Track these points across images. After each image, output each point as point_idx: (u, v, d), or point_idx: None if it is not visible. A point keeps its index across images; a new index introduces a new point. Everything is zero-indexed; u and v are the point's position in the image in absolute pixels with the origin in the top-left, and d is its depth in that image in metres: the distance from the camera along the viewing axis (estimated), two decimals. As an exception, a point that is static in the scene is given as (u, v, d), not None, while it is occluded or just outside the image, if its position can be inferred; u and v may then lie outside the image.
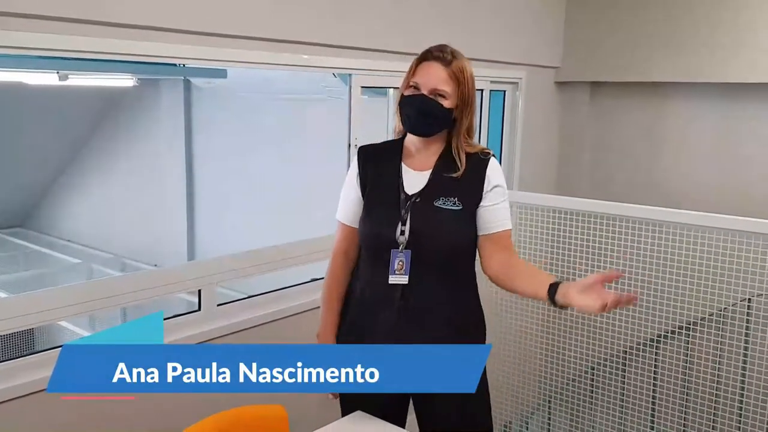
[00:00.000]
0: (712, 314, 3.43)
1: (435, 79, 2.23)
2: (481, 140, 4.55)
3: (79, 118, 6.66)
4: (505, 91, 4.80)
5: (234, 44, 2.95)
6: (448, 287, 2.31)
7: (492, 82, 4.53)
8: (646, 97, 5.07)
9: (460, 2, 4.08)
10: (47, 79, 3.85)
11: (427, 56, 2.26)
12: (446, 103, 2.24)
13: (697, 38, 4.54)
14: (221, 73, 5.00)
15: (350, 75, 3.49)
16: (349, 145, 3.50)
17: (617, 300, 1.95)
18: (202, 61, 3.01)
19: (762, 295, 3.14)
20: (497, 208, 2.31)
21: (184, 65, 4.20)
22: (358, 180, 2.35)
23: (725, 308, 3.41)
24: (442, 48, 2.28)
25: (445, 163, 2.30)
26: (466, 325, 2.36)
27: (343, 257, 2.39)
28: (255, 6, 2.98)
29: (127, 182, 6.80)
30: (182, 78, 5.89)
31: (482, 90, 4.49)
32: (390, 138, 2.47)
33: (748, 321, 3.37)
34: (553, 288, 2.11)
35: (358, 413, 2.27)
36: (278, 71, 3.31)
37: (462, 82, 2.26)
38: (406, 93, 2.26)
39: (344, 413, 2.39)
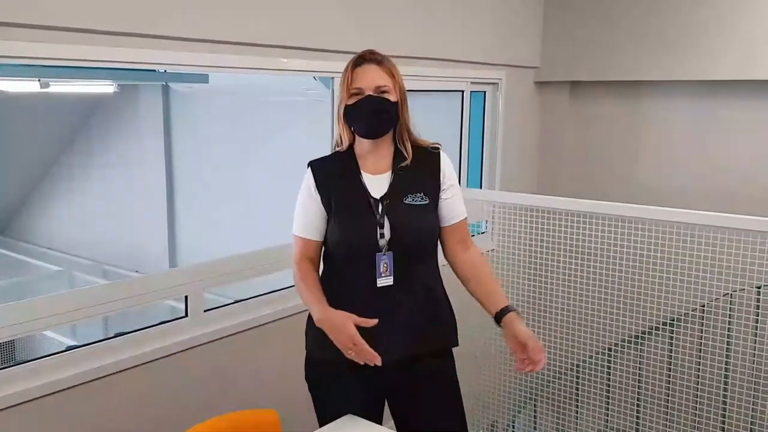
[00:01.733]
0: (694, 310, 3.46)
1: (376, 77, 2.31)
2: (462, 141, 4.57)
3: (57, 125, 6.60)
4: (485, 92, 4.82)
5: (214, 49, 2.94)
6: (426, 278, 2.40)
7: (472, 83, 4.55)
8: (626, 96, 5.10)
9: (439, 4, 4.09)
10: (28, 86, 3.82)
11: (359, 61, 2.34)
12: (392, 98, 2.33)
13: (677, 36, 4.58)
14: (203, 78, 4.98)
15: (332, 78, 3.49)
16: (333, 148, 3.50)
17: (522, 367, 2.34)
18: (183, 66, 2.99)
19: (743, 290, 3.18)
20: (455, 200, 2.42)
21: (165, 71, 4.19)
22: (317, 193, 2.36)
23: (707, 304, 3.45)
24: (371, 51, 2.37)
25: (398, 162, 2.38)
26: (443, 311, 2.44)
27: (308, 262, 2.39)
28: (235, 11, 2.98)
29: (107, 188, 6.75)
30: (162, 83, 5.87)
31: (462, 91, 4.51)
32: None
33: (730, 316, 3.42)
34: (502, 311, 2.33)
35: (349, 417, 2.28)
36: (259, 75, 3.30)
37: (396, 77, 2.36)
38: (351, 102, 2.31)
39: (321, 421, 2.42)
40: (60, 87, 4.07)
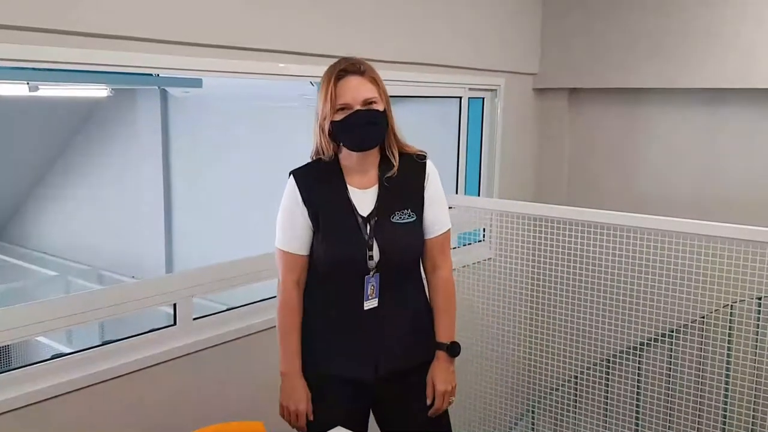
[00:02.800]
0: (694, 321, 3.42)
1: (362, 90, 2.23)
2: (460, 148, 4.53)
3: (54, 129, 6.57)
4: (483, 99, 4.77)
5: (209, 53, 2.90)
6: (410, 295, 2.39)
7: (470, 89, 4.51)
8: (625, 104, 5.06)
9: (437, 10, 4.05)
10: (17, 90, 3.76)
11: (342, 74, 2.24)
12: (379, 107, 2.26)
13: (676, 44, 4.54)
14: (197, 83, 4.93)
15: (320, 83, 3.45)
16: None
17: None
18: (177, 70, 2.95)
19: (744, 301, 3.14)
20: (438, 212, 2.38)
21: (158, 75, 4.15)
22: (304, 206, 2.30)
23: (707, 315, 3.41)
24: (350, 61, 2.28)
25: (385, 170, 2.33)
26: (427, 326, 2.43)
27: (296, 288, 2.35)
28: (230, 14, 2.94)
29: (103, 193, 6.72)
30: (158, 88, 5.83)
31: (461, 98, 4.47)
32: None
33: (730, 327, 3.37)
34: (437, 345, 2.41)
35: (338, 429, 2.24)
36: (255, 80, 3.26)
37: (379, 83, 2.29)
38: (338, 118, 2.23)
39: None
40: (50, 91, 4.01)
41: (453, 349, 2.39)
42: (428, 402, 2.40)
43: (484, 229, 4.47)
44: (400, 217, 2.29)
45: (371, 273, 2.25)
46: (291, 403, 2.33)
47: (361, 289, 2.25)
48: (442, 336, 2.40)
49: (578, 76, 5.01)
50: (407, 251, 2.32)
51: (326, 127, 2.26)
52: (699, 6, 4.44)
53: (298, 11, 3.23)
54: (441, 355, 2.39)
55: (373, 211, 2.28)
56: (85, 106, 6.40)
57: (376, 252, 2.24)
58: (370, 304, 2.27)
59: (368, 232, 2.25)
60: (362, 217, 2.27)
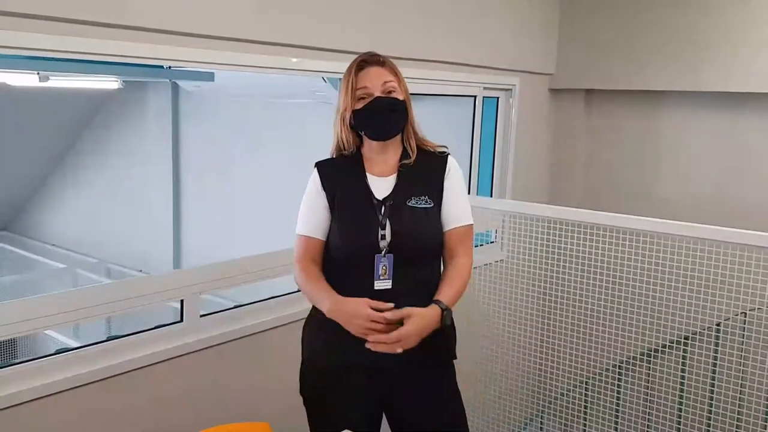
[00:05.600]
0: (709, 328, 3.37)
1: (382, 77, 2.29)
2: (474, 148, 4.49)
3: (63, 121, 6.58)
4: (498, 98, 4.73)
5: (222, 46, 2.87)
6: (428, 284, 2.34)
7: (485, 88, 4.47)
8: (641, 105, 5.01)
9: (453, 8, 4.01)
10: (27, 80, 3.74)
11: (362, 65, 2.31)
12: (399, 96, 2.30)
13: (693, 46, 4.49)
14: (208, 76, 4.91)
15: (341, 79, 3.41)
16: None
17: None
18: (189, 63, 2.93)
19: (762, 309, 3.08)
20: (459, 204, 2.37)
21: (170, 67, 4.12)
22: (323, 191, 2.33)
23: (721, 322, 3.36)
24: (371, 54, 2.34)
25: (405, 164, 2.35)
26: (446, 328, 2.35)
27: (312, 262, 2.33)
28: (244, 7, 2.91)
29: (113, 186, 6.73)
30: (169, 81, 5.82)
31: (475, 96, 4.43)
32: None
33: (747, 336, 3.31)
34: (434, 301, 2.21)
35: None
36: (267, 75, 3.23)
37: (399, 75, 2.34)
38: (359, 106, 2.27)
39: None
40: (60, 81, 3.99)
41: (447, 314, 2.20)
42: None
43: (495, 231, 4.43)
44: (417, 202, 2.29)
45: (383, 253, 2.23)
46: (358, 319, 2.13)
47: (372, 271, 2.23)
48: (443, 297, 2.23)
49: (595, 77, 4.96)
50: (421, 235, 2.29)
51: (347, 117, 2.30)
52: (720, 8, 4.38)
53: (313, 5, 3.19)
54: (434, 307, 2.19)
55: (389, 195, 2.29)
56: (96, 99, 6.40)
57: (388, 232, 2.24)
58: (382, 284, 2.24)
59: (382, 212, 2.26)
60: (377, 200, 2.28)
